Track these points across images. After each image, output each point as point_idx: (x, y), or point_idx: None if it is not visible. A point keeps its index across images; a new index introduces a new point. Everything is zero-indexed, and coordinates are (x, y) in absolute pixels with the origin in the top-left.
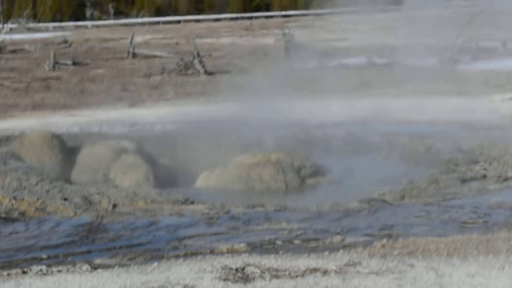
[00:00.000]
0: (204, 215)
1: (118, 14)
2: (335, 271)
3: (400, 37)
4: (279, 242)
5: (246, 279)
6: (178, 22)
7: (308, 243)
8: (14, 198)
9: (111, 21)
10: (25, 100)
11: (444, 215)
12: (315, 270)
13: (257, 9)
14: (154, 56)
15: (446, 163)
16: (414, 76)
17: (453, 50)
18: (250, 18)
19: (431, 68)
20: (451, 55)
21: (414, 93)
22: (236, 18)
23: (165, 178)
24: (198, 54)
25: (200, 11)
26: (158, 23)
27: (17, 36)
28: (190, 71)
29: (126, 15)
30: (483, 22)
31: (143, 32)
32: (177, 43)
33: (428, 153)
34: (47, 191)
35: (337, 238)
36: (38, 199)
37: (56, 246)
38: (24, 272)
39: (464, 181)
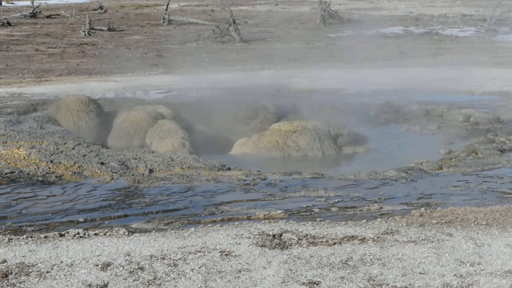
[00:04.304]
0: (240, 182)
1: None
2: (373, 239)
3: (438, 6)
4: (316, 209)
5: (283, 245)
6: None
7: (345, 211)
8: (51, 161)
9: None
10: (61, 65)
11: (483, 185)
12: (352, 237)
13: None
14: (190, 23)
15: (484, 133)
16: (451, 46)
17: (491, 20)
18: None
19: (469, 39)
20: (489, 26)
21: (452, 63)
22: None
23: (201, 144)
24: (234, 22)
25: None
26: None
27: (53, 1)
28: (225, 38)
29: None
30: None
31: None
32: (212, 10)
33: (467, 123)
34: (84, 155)
35: (375, 206)
36: (75, 163)
37: (93, 210)
38: (61, 235)
39: (503, 151)
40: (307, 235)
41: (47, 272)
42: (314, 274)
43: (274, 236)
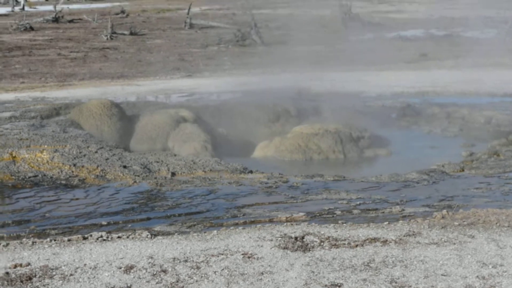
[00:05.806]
0: (262, 184)
1: None
2: (395, 241)
3: (459, 9)
4: (338, 212)
5: (305, 247)
6: None
7: (367, 213)
8: (74, 165)
9: None
10: (83, 69)
11: (505, 187)
12: (374, 240)
13: None
14: (211, 27)
15: (506, 135)
16: (473, 48)
17: None
18: None
19: (490, 41)
20: (511, 28)
21: (473, 65)
22: None
23: (222, 147)
24: (255, 25)
25: None
26: None
27: (75, 6)
28: (247, 42)
29: None
30: None
31: (200, 3)
32: (234, 14)
33: (488, 125)
34: (107, 159)
35: (397, 209)
36: (97, 166)
37: (116, 213)
38: (84, 238)
39: None
40: (329, 237)
41: (71, 275)
42: (336, 276)
43: (296, 238)
